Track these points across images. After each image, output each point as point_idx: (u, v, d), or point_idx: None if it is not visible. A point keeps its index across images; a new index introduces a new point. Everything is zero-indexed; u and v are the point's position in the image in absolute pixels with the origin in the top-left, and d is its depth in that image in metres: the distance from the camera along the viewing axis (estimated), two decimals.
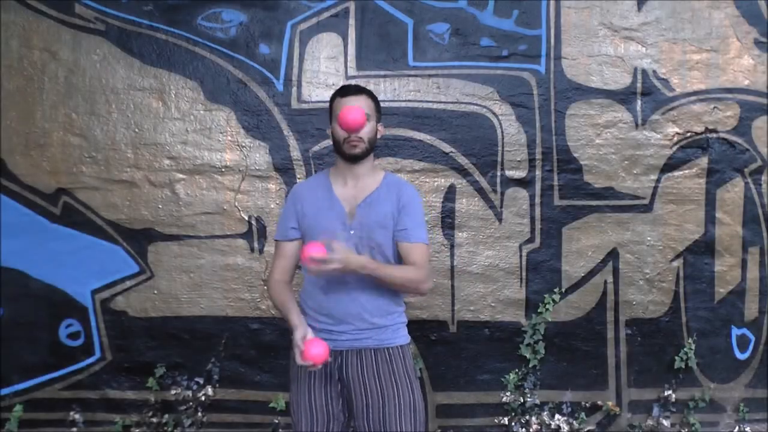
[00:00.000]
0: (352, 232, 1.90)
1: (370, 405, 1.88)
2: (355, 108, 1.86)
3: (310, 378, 1.93)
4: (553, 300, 2.98)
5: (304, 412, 1.93)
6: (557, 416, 3.00)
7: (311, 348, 1.75)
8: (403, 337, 1.99)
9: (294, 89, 2.96)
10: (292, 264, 2.04)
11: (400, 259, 1.96)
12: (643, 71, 3.02)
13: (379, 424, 1.87)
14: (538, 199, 3.00)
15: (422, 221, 1.98)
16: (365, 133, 1.92)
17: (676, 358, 3.02)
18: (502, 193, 3.00)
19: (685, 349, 3.02)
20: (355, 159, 1.93)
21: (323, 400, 1.92)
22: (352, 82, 2.89)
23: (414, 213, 1.95)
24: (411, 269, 1.90)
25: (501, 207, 3.00)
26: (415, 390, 1.93)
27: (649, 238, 3.03)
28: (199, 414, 2.93)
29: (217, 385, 2.95)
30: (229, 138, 2.96)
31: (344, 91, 1.97)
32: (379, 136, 2.01)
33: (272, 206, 2.95)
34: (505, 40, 2.99)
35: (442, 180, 2.98)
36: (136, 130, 2.95)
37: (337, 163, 2.01)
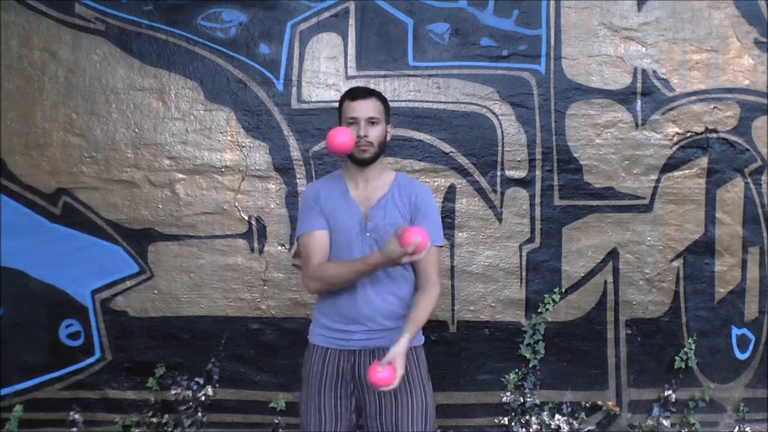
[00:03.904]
0: (368, 233, 1.90)
1: (383, 405, 1.88)
2: (342, 130, 1.84)
3: (322, 379, 1.92)
4: (553, 300, 2.98)
5: (313, 411, 1.92)
6: (557, 416, 3.00)
7: (410, 236, 1.66)
8: (417, 338, 1.97)
9: (294, 89, 2.96)
10: (326, 254, 1.93)
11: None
12: (643, 71, 3.02)
13: (391, 425, 1.87)
14: (538, 199, 3.00)
15: (439, 222, 1.97)
16: (374, 137, 1.91)
17: (676, 358, 3.02)
18: (502, 193, 3.00)
19: (685, 349, 3.02)
20: (365, 162, 1.93)
21: (333, 400, 1.91)
22: (352, 82, 2.90)
23: (431, 214, 1.94)
24: (431, 297, 1.90)
25: (501, 207, 3.00)
26: (428, 391, 1.93)
27: (649, 238, 3.03)
28: (199, 414, 2.93)
29: (217, 385, 2.95)
30: (229, 138, 2.96)
31: (353, 94, 1.94)
32: (388, 138, 2.00)
33: (272, 206, 2.95)
34: (505, 40, 2.99)
35: (442, 180, 2.98)
36: (136, 130, 2.95)
37: (348, 165, 2.00)
